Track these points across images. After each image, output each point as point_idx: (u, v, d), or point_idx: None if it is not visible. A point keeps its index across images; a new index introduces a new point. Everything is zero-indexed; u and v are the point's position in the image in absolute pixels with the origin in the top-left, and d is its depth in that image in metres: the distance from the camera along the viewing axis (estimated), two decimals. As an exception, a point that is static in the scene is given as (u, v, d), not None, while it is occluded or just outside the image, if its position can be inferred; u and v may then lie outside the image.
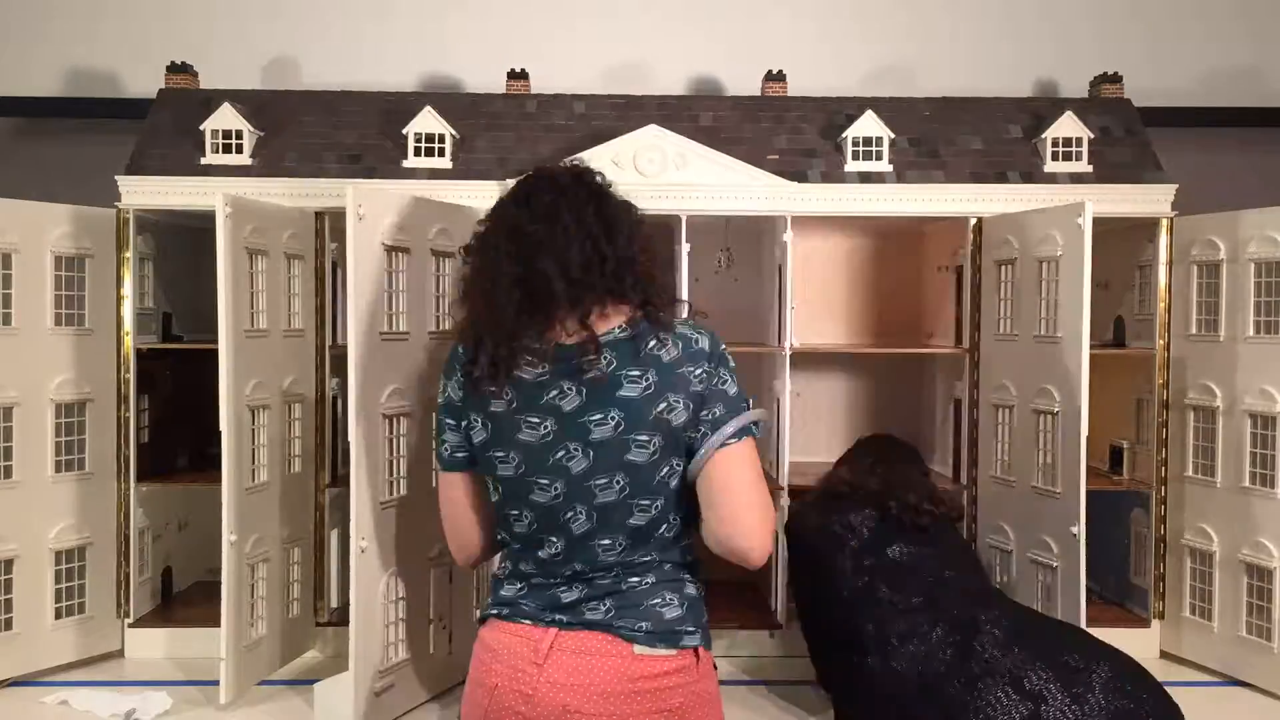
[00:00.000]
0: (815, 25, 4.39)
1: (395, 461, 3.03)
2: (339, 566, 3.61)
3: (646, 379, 1.96)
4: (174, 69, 3.84)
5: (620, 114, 3.76)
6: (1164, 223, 3.49)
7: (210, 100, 3.65)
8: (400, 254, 3.03)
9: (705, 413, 2.00)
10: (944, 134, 3.73)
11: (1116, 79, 3.87)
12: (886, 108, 3.68)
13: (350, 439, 2.87)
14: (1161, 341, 3.47)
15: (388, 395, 2.99)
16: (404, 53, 4.32)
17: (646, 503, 2.00)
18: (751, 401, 2.10)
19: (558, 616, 2.01)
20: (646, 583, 2.03)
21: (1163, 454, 3.48)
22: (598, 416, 1.96)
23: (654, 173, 3.49)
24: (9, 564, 3.26)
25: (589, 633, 1.98)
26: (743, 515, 2.00)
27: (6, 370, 3.24)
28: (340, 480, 3.59)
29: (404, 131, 3.60)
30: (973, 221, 3.57)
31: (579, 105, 3.84)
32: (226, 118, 3.58)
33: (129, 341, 3.48)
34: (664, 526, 2.04)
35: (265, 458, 3.29)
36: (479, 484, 2.16)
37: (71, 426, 3.39)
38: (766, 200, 3.51)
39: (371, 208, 2.91)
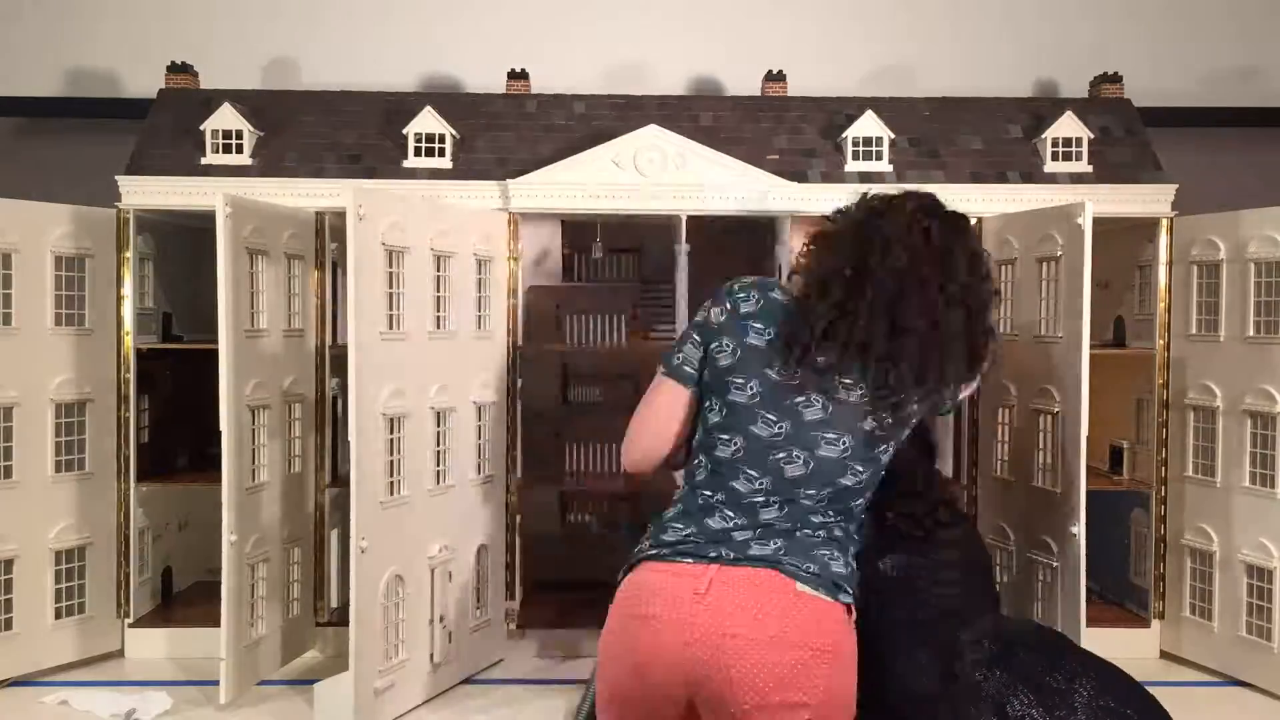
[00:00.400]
0: (815, 25, 4.39)
1: (395, 461, 3.03)
2: (339, 566, 3.61)
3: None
4: (174, 69, 3.84)
5: (620, 114, 3.76)
6: (1164, 223, 3.49)
7: (210, 100, 3.65)
8: (400, 254, 3.03)
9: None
10: (944, 134, 3.73)
11: (1116, 79, 3.87)
12: (886, 108, 3.68)
13: (350, 439, 2.87)
14: (1161, 341, 3.47)
15: (388, 395, 2.99)
16: (404, 53, 4.32)
17: (861, 469, 2.06)
18: None
19: (721, 551, 2.01)
20: (819, 536, 2.06)
21: (1163, 454, 3.48)
22: (849, 381, 2.03)
23: (654, 173, 3.49)
24: (9, 564, 3.26)
25: (751, 568, 1.99)
26: None
27: (6, 370, 3.24)
28: (340, 480, 3.59)
29: (404, 131, 3.60)
30: (972, 221, 3.56)
31: (579, 105, 3.84)
32: (226, 118, 3.58)
33: (129, 341, 3.48)
34: (861, 499, 2.11)
35: (265, 458, 3.29)
36: (691, 403, 2.19)
37: (71, 426, 3.39)
38: (767, 200, 3.51)
39: (371, 208, 2.91)
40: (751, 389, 2.07)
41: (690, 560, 2.01)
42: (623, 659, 1.99)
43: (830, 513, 2.08)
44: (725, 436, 2.09)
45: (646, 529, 2.18)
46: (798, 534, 2.04)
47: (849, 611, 2.03)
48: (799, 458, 2.04)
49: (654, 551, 2.08)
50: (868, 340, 2.01)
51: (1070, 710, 2.31)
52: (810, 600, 1.97)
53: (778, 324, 2.07)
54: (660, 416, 2.23)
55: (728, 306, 2.14)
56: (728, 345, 2.10)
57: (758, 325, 2.09)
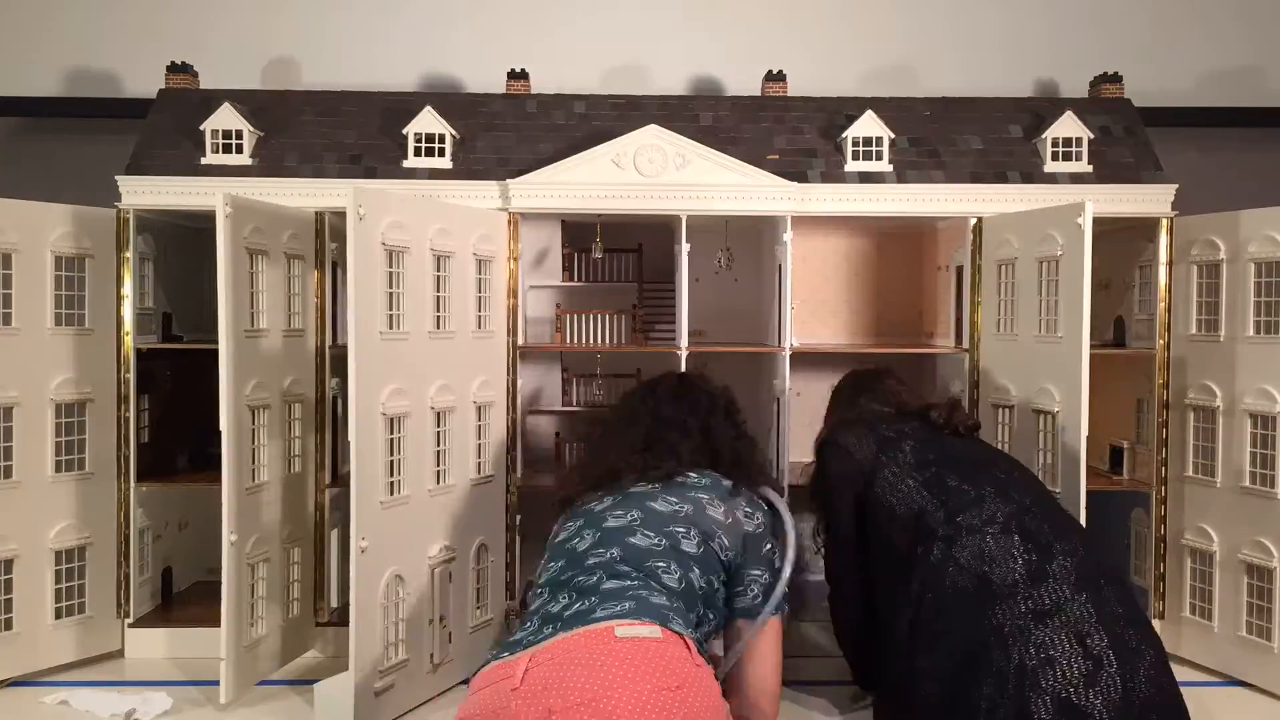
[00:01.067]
0: (815, 25, 4.40)
1: (395, 461, 3.03)
2: (339, 566, 3.62)
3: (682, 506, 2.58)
4: (174, 69, 3.84)
5: (620, 114, 3.76)
6: (1164, 223, 3.49)
7: (210, 100, 3.65)
8: (400, 254, 3.03)
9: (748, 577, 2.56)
10: (944, 134, 3.73)
11: (1116, 79, 3.87)
12: (886, 108, 3.68)
13: (350, 439, 2.87)
14: (1161, 341, 3.47)
15: (388, 395, 2.99)
16: (404, 53, 4.32)
17: (673, 565, 2.41)
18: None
19: (543, 628, 2.13)
20: (627, 580, 2.28)
21: (1163, 454, 3.48)
22: (669, 494, 2.60)
23: (654, 173, 3.49)
24: (9, 564, 3.26)
25: (563, 637, 2.03)
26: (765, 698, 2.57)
27: (6, 370, 3.24)
28: (340, 480, 3.59)
29: (404, 131, 3.60)
30: (972, 221, 3.58)
31: (579, 105, 3.84)
32: (226, 118, 3.58)
33: (129, 341, 3.48)
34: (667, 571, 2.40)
35: (265, 458, 3.29)
36: None
37: (71, 426, 3.39)
38: (766, 200, 3.51)
39: (371, 208, 2.91)
40: (576, 523, 2.57)
41: (502, 658, 2.10)
42: None
43: (632, 571, 2.31)
44: (553, 563, 2.51)
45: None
46: (604, 586, 2.24)
47: (685, 641, 2.06)
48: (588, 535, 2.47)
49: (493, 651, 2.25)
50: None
51: (1133, 672, 2.25)
52: (630, 645, 1.95)
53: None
54: None
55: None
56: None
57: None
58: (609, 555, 2.34)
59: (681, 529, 2.44)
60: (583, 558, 2.36)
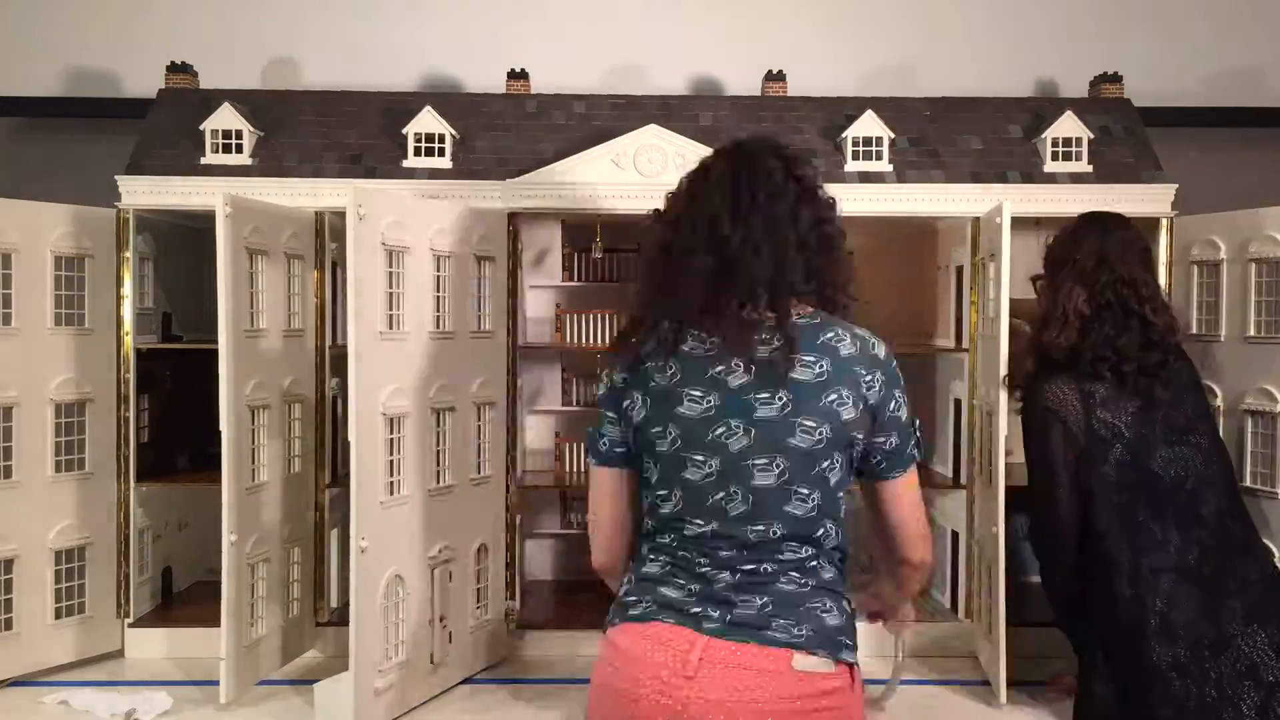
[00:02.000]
0: (815, 25, 4.39)
1: (395, 461, 3.03)
2: (339, 566, 3.61)
3: (820, 366, 1.89)
4: (174, 69, 3.84)
5: (620, 114, 3.76)
6: (1164, 223, 3.49)
7: (210, 100, 3.65)
8: (400, 254, 3.03)
9: (882, 439, 1.95)
10: (944, 134, 3.73)
11: (1116, 79, 3.87)
12: (886, 108, 3.68)
13: (350, 439, 2.87)
14: (1162, 341, 3.47)
15: (388, 395, 2.99)
16: (404, 53, 4.32)
17: (805, 492, 1.89)
18: (916, 423, 2.02)
19: (708, 611, 1.86)
20: (807, 585, 1.91)
21: (1163, 454, 3.47)
22: (765, 395, 1.88)
23: (654, 173, 3.49)
24: (9, 564, 3.26)
25: (743, 645, 1.82)
26: (916, 542, 2.04)
27: (6, 370, 3.24)
28: (340, 480, 3.59)
29: (404, 131, 3.60)
30: (972, 221, 3.57)
31: (579, 105, 3.84)
32: (226, 118, 3.58)
33: (129, 341, 3.48)
34: (821, 530, 1.93)
35: (265, 458, 3.29)
36: (633, 482, 2.06)
37: (71, 426, 3.39)
38: (766, 200, 3.51)
39: (371, 208, 2.91)
40: (671, 433, 1.93)
41: (672, 621, 1.88)
42: None
43: (801, 552, 1.92)
44: (662, 492, 1.97)
45: None
46: (782, 584, 1.90)
47: (852, 671, 1.89)
48: (736, 493, 1.90)
49: (634, 612, 1.94)
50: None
51: None
52: (809, 679, 1.82)
53: (676, 352, 1.94)
54: (605, 510, 2.09)
55: (622, 362, 2.01)
56: (637, 397, 1.97)
57: (658, 362, 1.96)
58: (747, 510, 1.90)
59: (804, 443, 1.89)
60: (721, 510, 1.91)
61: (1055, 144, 3.61)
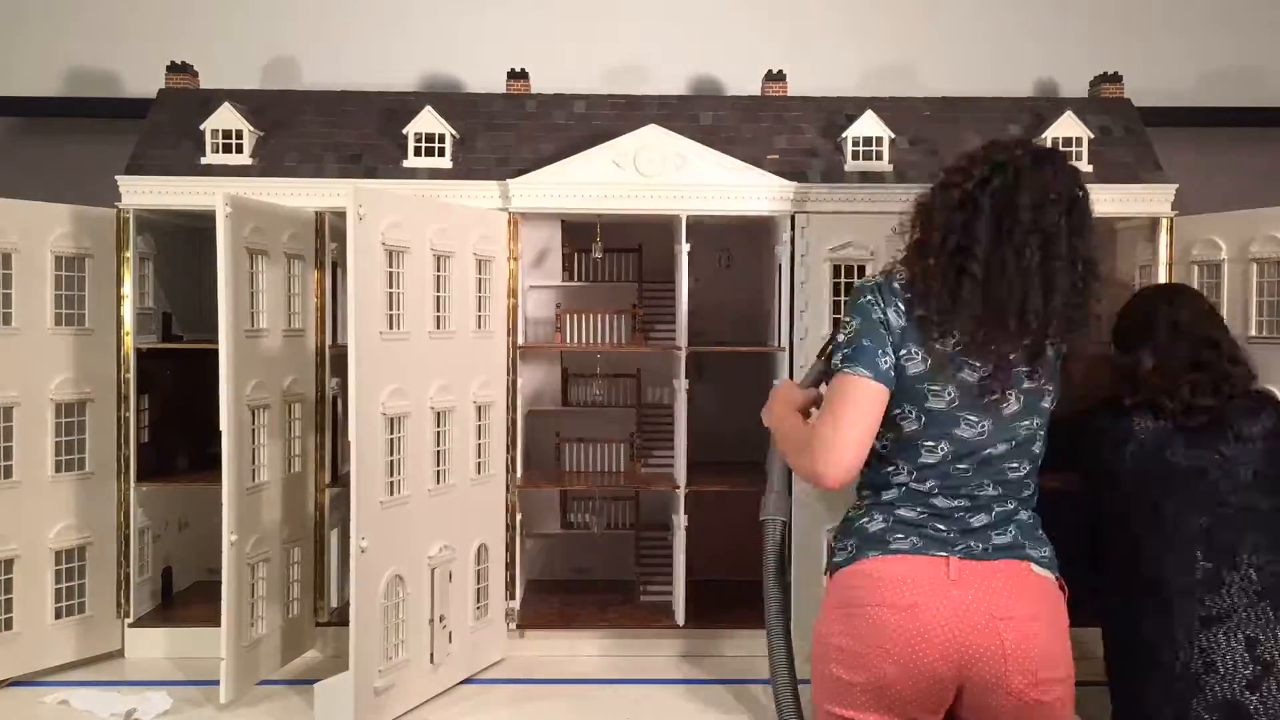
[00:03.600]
0: (815, 25, 4.39)
1: (395, 461, 3.03)
2: (339, 566, 3.61)
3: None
4: (174, 69, 3.84)
5: (620, 114, 3.76)
6: (1164, 223, 3.49)
7: (210, 100, 3.65)
8: (400, 254, 3.03)
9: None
10: (944, 134, 3.73)
11: (1116, 79, 3.87)
12: (886, 108, 3.68)
13: (350, 439, 2.87)
14: (1162, 341, 3.47)
15: (388, 395, 2.99)
16: (404, 53, 4.32)
17: (1037, 451, 2.22)
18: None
19: (969, 543, 2.13)
20: (1032, 522, 2.23)
21: (1163, 454, 3.47)
22: (1027, 369, 2.12)
23: (654, 173, 3.48)
24: (9, 564, 3.26)
25: (993, 560, 2.10)
26: None
27: (6, 370, 3.24)
28: (340, 480, 3.59)
29: (404, 131, 3.60)
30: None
31: (579, 105, 3.84)
32: (226, 118, 3.58)
33: (129, 341, 3.48)
34: (1030, 483, 2.25)
35: (265, 458, 3.29)
36: (885, 404, 2.15)
37: (71, 426, 3.39)
38: (766, 200, 3.51)
39: (371, 208, 2.91)
40: (950, 394, 2.13)
41: (928, 553, 2.11)
42: (884, 654, 2.03)
43: (1026, 495, 2.22)
44: (930, 443, 2.16)
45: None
46: (1024, 517, 2.20)
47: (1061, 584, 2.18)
48: (1002, 445, 2.15)
49: (877, 541, 2.15)
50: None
51: None
52: (1044, 581, 2.13)
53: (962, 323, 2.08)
54: (863, 425, 2.10)
55: (903, 309, 2.13)
56: (917, 352, 2.12)
57: (937, 331, 2.10)
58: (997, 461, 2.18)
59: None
60: (984, 461, 2.16)
61: (1055, 144, 3.60)
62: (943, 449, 2.15)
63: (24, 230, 3.27)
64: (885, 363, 2.11)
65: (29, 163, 4.31)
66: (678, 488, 3.56)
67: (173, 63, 3.84)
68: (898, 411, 2.15)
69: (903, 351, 2.12)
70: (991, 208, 2.07)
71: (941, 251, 2.10)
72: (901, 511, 2.17)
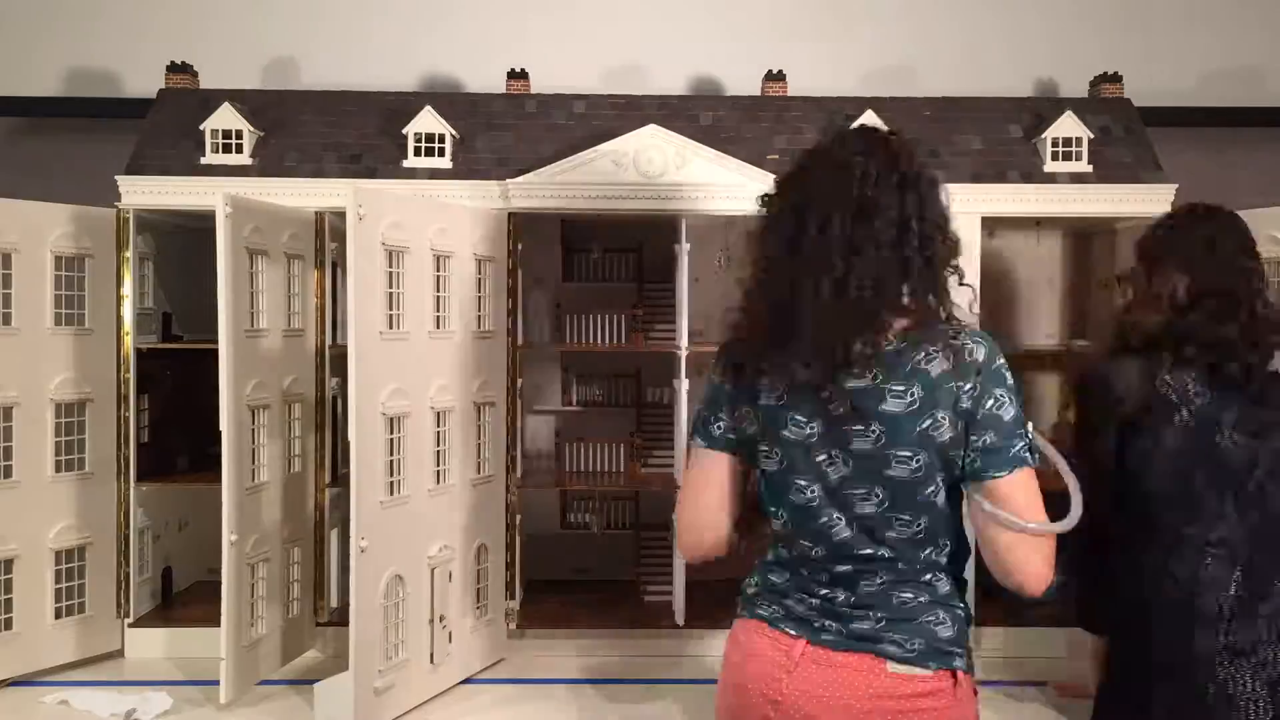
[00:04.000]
0: (815, 25, 4.39)
1: (395, 461, 3.03)
2: (339, 566, 3.61)
3: (911, 394, 1.78)
4: (174, 69, 3.84)
5: (620, 114, 3.76)
6: (1164, 222, 3.48)
7: (210, 100, 3.65)
8: (400, 254, 3.03)
9: (975, 438, 1.79)
10: (944, 134, 3.73)
11: (1116, 79, 3.87)
12: (886, 108, 3.68)
13: (350, 439, 2.87)
14: (1162, 341, 3.47)
15: (388, 395, 2.99)
16: (404, 53, 4.32)
17: (908, 518, 1.83)
18: (1030, 426, 1.83)
19: (825, 623, 1.88)
20: (920, 600, 1.87)
21: (1163, 454, 3.47)
22: (859, 428, 1.80)
23: (654, 173, 3.49)
24: (9, 564, 3.26)
25: (843, 653, 1.85)
26: (1023, 560, 1.82)
27: (6, 370, 3.24)
28: (340, 480, 3.59)
29: (404, 131, 3.60)
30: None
31: (579, 105, 3.84)
32: (226, 118, 3.58)
33: (129, 341, 3.48)
34: (933, 548, 1.87)
35: (265, 458, 3.29)
36: (738, 469, 2.00)
37: (71, 426, 3.39)
38: (766, 200, 3.51)
39: (371, 208, 2.91)
40: (777, 454, 1.90)
41: (790, 630, 1.90)
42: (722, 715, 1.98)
43: (913, 570, 1.87)
44: (773, 509, 1.95)
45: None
46: (894, 602, 1.86)
47: (955, 675, 1.85)
48: (839, 519, 1.86)
49: (762, 611, 1.97)
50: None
51: None
52: (903, 680, 1.83)
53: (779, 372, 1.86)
54: (711, 495, 2.00)
55: (730, 369, 1.97)
56: (747, 411, 1.93)
57: (761, 384, 1.90)
58: (852, 536, 1.87)
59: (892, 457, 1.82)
60: (826, 535, 1.87)
61: (1055, 144, 3.61)
62: (782, 516, 1.92)
63: (24, 230, 3.27)
64: (719, 427, 1.97)
65: (29, 163, 4.30)
66: (678, 488, 3.55)
67: (173, 63, 3.84)
68: (763, 449, 1.92)
69: (738, 412, 1.95)
70: (770, 224, 1.94)
71: (749, 291, 1.98)
72: (772, 577, 1.98)
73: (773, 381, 1.87)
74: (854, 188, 1.83)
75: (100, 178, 3.52)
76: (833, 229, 1.81)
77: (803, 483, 1.87)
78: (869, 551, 1.85)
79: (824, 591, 1.90)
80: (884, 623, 1.85)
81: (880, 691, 1.82)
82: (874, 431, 1.80)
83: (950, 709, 1.85)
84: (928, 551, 1.87)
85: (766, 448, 1.90)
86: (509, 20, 4.35)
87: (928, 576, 1.88)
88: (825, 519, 1.86)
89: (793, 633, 1.89)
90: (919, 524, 1.84)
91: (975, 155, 3.67)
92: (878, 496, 1.83)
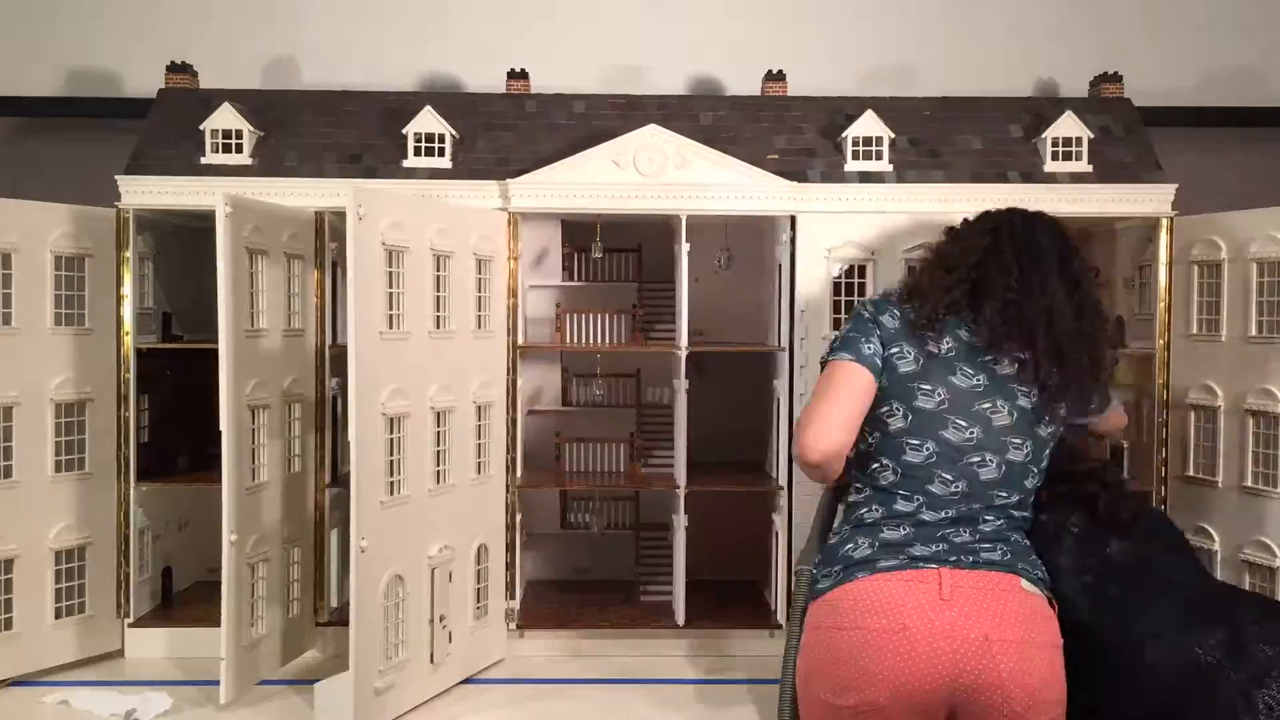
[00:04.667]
0: (815, 25, 4.39)
1: (395, 461, 3.03)
2: (339, 566, 3.61)
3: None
4: (174, 69, 3.84)
5: (620, 114, 3.76)
6: (1164, 222, 3.48)
7: (210, 100, 3.65)
8: (400, 254, 3.03)
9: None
10: (944, 134, 3.73)
11: (1116, 79, 3.87)
12: (886, 108, 3.67)
13: (350, 439, 2.87)
14: (1161, 341, 3.47)
15: (388, 395, 2.99)
16: (404, 53, 4.32)
17: (1035, 472, 2.23)
18: None
19: (958, 557, 2.09)
20: (1024, 544, 2.21)
21: (1163, 454, 3.48)
22: (1024, 389, 2.20)
23: (654, 173, 3.49)
24: (9, 564, 3.26)
25: (983, 572, 2.06)
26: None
27: (6, 370, 3.24)
28: (340, 480, 3.59)
29: (404, 131, 3.60)
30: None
31: (579, 105, 3.84)
32: (226, 118, 3.58)
33: (129, 341, 3.48)
34: (1021, 514, 2.24)
35: (265, 458, 3.29)
36: (871, 392, 2.22)
37: (71, 426, 3.39)
38: (766, 200, 3.51)
39: (371, 208, 2.91)
40: (939, 395, 2.18)
41: (916, 567, 2.07)
42: (874, 678, 1.98)
43: (1021, 514, 2.22)
44: (915, 442, 2.18)
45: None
46: (1012, 539, 2.17)
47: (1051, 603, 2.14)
48: (991, 461, 2.17)
49: (864, 563, 2.11)
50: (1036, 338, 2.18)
51: None
52: (1036, 599, 2.08)
53: (951, 332, 2.21)
54: (849, 408, 2.19)
55: (897, 314, 2.25)
56: (909, 352, 2.20)
57: (930, 334, 2.21)
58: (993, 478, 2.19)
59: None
60: (971, 477, 2.18)
61: (1055, 144, 3.61)
62: (928, 449, 2.17)
63: (24, 230, 3.27)
64: (869, 349, 2.21)
65: (29, 163, 4.31)
66: (678, 488, 3.56)
67: (173, 63, 3.84)
68: (885, 409, 2.20)
69: (894, 349, 2.21)
70: (994, 244, 2.30)
71: (948, 271, 2.28)
72: (886, 534, 2.15)
73: (952, 336, 2.21)
74: (1075, 258, 2.32)
75: (100, 178, 3.52)
76: (1057, 272, 2.27)
77: (962, 423, 2.18)
78: (1004, 494, 2.18)
79: (947, 531, 2.14)
80: (1009, 555, 2.13)
81: (1030, 607, 2.05)
82: (1034, 395, 2.19)
83: (1055, 629, 2.08)
84: (1028, 508, 2.25)
85: (929, 386, 2.19)
86: (509, 20, 4.36)
87: (1023, 526, 2.23)
88: (978, 459, 2.17)
89: (933, 567, 2.07)
90: (1036, 480, 2.23)
91: (975, 155, 3.67)
92: (1027, 449, 2.20)
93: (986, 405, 2.18)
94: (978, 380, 2.19)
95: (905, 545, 2.12)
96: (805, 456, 2.17)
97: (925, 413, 2.18)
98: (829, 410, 2.17)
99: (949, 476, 2.16)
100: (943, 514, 2.16)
